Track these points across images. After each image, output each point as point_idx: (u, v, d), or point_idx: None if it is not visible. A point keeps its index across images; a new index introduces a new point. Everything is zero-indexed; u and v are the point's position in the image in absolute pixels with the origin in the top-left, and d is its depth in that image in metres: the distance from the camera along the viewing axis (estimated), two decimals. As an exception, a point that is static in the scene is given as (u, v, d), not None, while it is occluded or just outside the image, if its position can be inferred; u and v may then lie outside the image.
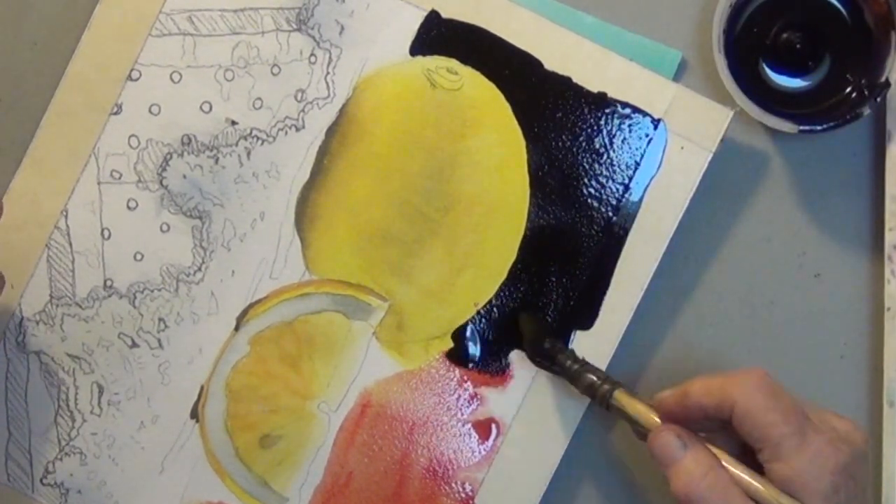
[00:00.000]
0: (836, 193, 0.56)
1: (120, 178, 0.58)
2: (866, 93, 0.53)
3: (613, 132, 0.56)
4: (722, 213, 0.56)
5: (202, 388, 0.58)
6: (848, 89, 0.54)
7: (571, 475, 0.56)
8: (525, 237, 0.56)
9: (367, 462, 0.57)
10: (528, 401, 0.56)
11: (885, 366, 0.55)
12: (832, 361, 0.56)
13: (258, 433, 0.57)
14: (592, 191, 0.56)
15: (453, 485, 0.56)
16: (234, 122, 0.57)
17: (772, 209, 0.56)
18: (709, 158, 0.55)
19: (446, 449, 0.56)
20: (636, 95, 0.55)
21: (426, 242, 0.57)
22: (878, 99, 0.52)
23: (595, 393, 0.51)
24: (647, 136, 0.55)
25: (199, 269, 0.58)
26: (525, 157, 0.56)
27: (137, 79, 0.58)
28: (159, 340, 0.58)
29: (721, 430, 0.48)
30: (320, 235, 0.57)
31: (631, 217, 0.55)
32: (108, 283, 0.58)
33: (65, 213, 0.58)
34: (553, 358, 0.53)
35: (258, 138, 0.57)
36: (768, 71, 0.55)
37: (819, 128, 0.53)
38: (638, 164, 0.55)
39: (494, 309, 0.56)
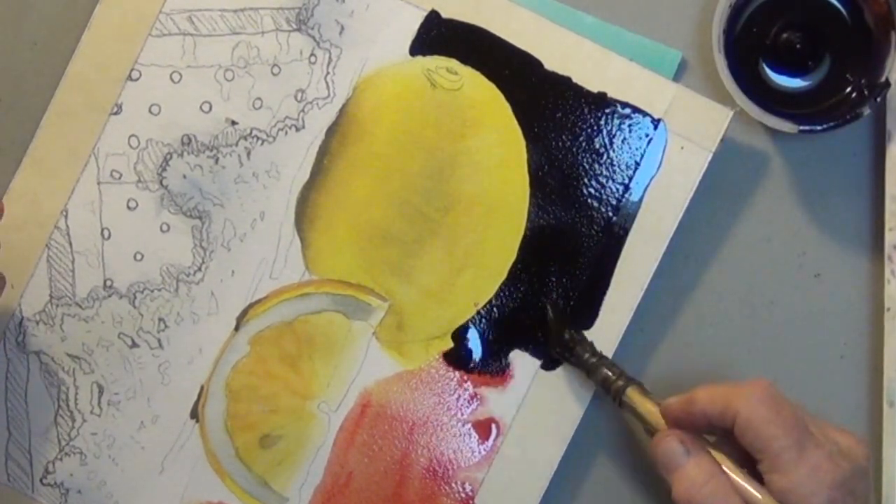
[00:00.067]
0: (836, 193, 0.56)
1: (120, 178, 0.58)
2: (866, 93, 0.53)
3: (613, 132, 0.56)
4: (722, 213, 0.56)
5: (202, 388, 0.58)
6: (848, 89, 0.54)
7: (571, 475, 0.56)
8: (525, 237, 0.56)
9: (367, 462, 0.57)
10: (528, 401, 0.56)
11: (885, 366, 0.55)
12: (832, 361, 0.56)
13: (258, 433, 0.57)
14: (592, 191, 0.56)
15: (453, 485, 0.56)
16: (234, 122, 0.57)
17: (772, 209, 0.56)
18: (709, 158, 0.55)
19: (446, 449, 0.56)
20: (636, 95, 0.55)
21: (426, 242, 0.57)
22: (878, 99, 0.52)
23: (609, 387, 0.52)
24: (647, 136, 0.55)
25: (199, 269, 0.58)
26: (525, 157, 0.56)
27: (137, 79, 0.58)
28: (159, 340, 0.58)
29: (726, 437, 0.48)
30: (320, 235, 0.57)
31: (631, 217, 0.55)
32: (108, 283, 0.58)
33: (65, 213, 0.58)
34: (572, 349, 0.54)
35: (258, 138, 0.57)
36: (768, 71, 0.55)
37: (819, 128, 0.53)
38: (638, 164, 0.55)
39: (494, 309, 0.56)
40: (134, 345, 0.58)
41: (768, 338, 0.56)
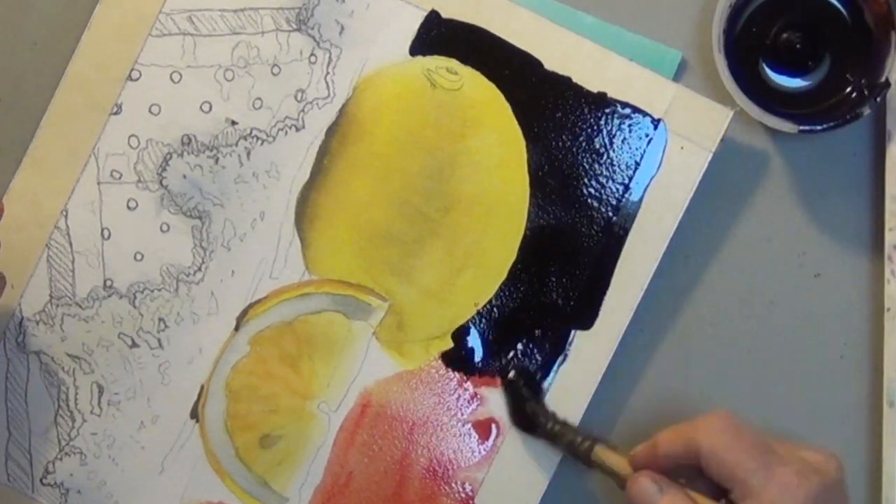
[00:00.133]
0: (836, 193, 0.56)
1: (120, 178, 0.58)
2: (866, 93, 0.53)
3: (613, 132, 0.56)
4: (722, 213, 0.56)
5: (202, 388, 0.58)
6: (848, 89, 0.54)
7: (571, 475, 0.56)
8: (525, 237, 0.56)
9: (367, 462, 0.57)
10: (528, 401, 0.56)
11: (885, 366, 0.55)
12: (832, 361, 0.56)
13: (258, 433, 0.57)
14: (592, 191, 0.56)
15: (453, 485, 0.56)
16: (234, 122, 0.58)
17: (772, 209, 0.56)
18: (709, 158, 0.55)
19: (446, 449, 0.56)
20: (636, 95, 0.55)
21: (426, 242, 0.57)
22: (878, 99, 0.52)
23: (576, 451, 0.52)
24: (647, 136, 0.55)
25: (199, 269, 0.58)
26: (525, 157, 0.56)
27: (137, 79, 0.58)
28: (159, 340, 0.58)
29: (699, 476, 0.48)
30: (320, 235, 0.57)
31: (631, 217, 0.55)
32: (108, 283, 0.58)
33: (65, 213, 0.58)
34: (534, 421, 0.55)
35: (258, 138, 0.57)
36: (768, 71, 0.55)
37: (819, 128, 0.53)
38: (638, 164, 0.55)
39: (494, 309, 0.56)
40: (134, 345, 0.58)
41: (768, 338, 0.56)
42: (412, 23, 0.56)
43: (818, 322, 0.56)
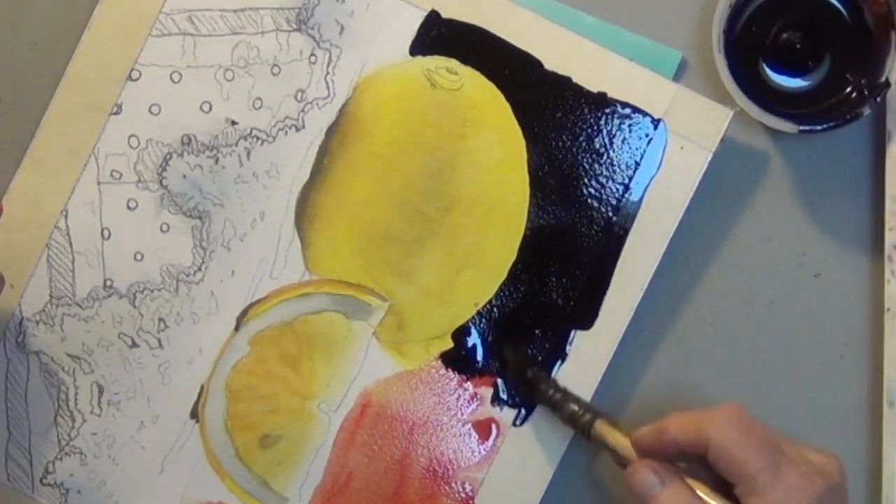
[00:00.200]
0: (836, 193, 0.56)
1: (120, 178, 0.58)
2: (866, 93, 0.53)
3: (613, 132, 0.56)
4: (722, 213, 0.56)
5: (202, 388, 0.58)
6: (848, 89, 0.54)
7: (571, 475, 0.56)
8: (525, 237, 0.56)
9: (367, 462, 0.57)
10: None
11: (885, 366, 0.55)
12: (832, 361, 0.56)
13: (258, 433, 0.57)
14: (592, 191, 0.56)
15: (453, 485, 0.56)
16: (234, 122, 0.58)
17: (772, 209, 0.56)
18: (709, 158, 0.55)
19: (446, 449, 0.56)
20: (636, 95, 0.55)
21: (426, 242, 0.57)
22: (878, 99, 0.52)
23: (576, 422, 0.52)
24: (647, 136, 0.55)
25: (199, 269, 0.58)
26: (525, 157, 0.56)
27: (137, 79, 0.58)
28: (159, 340, 0.58)
29: (700, 462, 0.48)
30: (320, 235, 0.57)
31: (631, 217, 0.55)
32: (108, 283, 0.58)
33: (65, 213, 0.58)
34: (535, 387, 0.54)
35: (258, 138, 0.57)
36: (768, 71, 0.55)
37: (819, 128, 0.53)
38: (638, 164, 0.55)
39: (494, 309, 0.56)
40: (134, 345, 0.58)
41: (768, 338, 0.56)
42: (412, 23, 0.56)
43: (818, 322, 0.56)
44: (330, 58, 0.57)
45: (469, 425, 0.56)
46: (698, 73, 0.56)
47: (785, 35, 0.55)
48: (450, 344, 0.56)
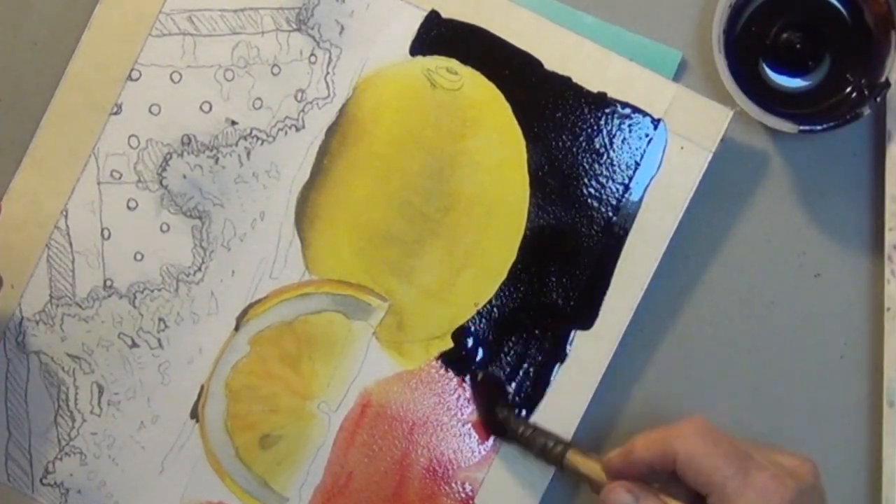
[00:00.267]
0: (836, 193, 0.56)
1: (120, 178, 0.58)
2: (866, 93, 0.53)
3: (613, 132, 0.56)
4: (722, 213, 0.56)
5: (202, 388, 0.58)
6: (848, 89, 0.54)
7: (571, 475, 0.56)
8: (525, 237, 0.56)
9: (367, 462, 0.57)
10: (528, 401, 0.56)
11: (885, 366, 0.55)
12: (832, 361, 0.56)
13: (258, 433, 0.57)
14: (592, 191, 0.56)
15: (453, 485, 0.56)
16: (234, 122, 0.58)
17: (772, 209, 0.56)
18: (709, 158, 0.55)
19: (446, 449, 0.56)
20: (636, 95, 0.55)
21: (426, 242, 0.57)
22: (878, 99, 0.52)
23: (548, 455, 0.53)
24: (647, 136, 0.55)
25: (199, 269, 0.58)
26: (525, 157, 0.56)
27: (137, 79, 0.58)
28: (159, 340, 0.58)
29: (674, 480, 0.48)
30: (320, 235, 0.57)
31: (631, 217, 0.55)
32: (108, 283, 0.58)
33: (65, 213, 0.58)
34: (506, 426, 0.55)
35: (258, 138, 0.57)
36: (768, 71, 0.55)
37: (819, 128, 0.53)
38: (638, 164, 0.55)
39: (494, 309, 0.56)
40: (134, 345, 0.58)
41: (768, 338, 0.56)
42: (412, 23, 0.56)
43: (818, 322, 0.56)
44: (330, 58, 0.57)
45: (469, 425, 0.56)
46: (698, 73, 0.56)
47: (785, 35, 0.55)
48: (450, 344, 0.56)
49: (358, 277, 0.57)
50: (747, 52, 0.55)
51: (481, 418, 0.56)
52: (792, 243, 0.56)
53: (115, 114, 0.58)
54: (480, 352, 0.56)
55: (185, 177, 0.58)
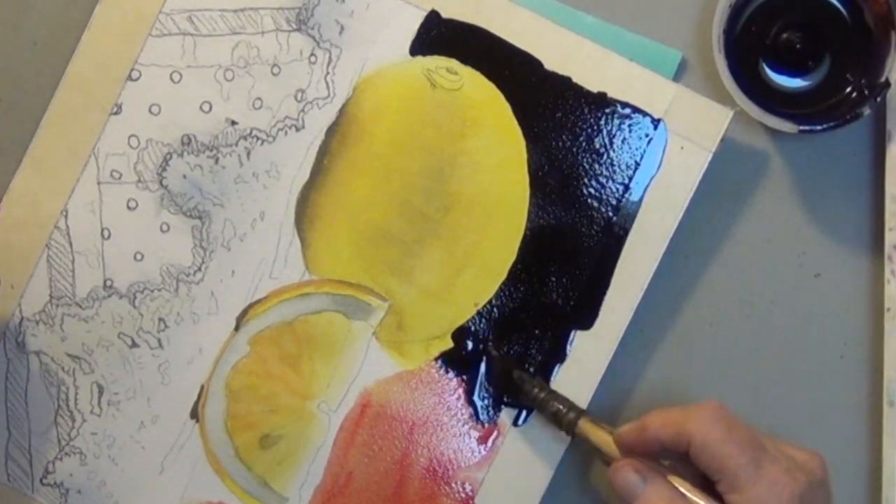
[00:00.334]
0: (836, 193, 0.56)
1: (120, 178, 0.58)
2: (866, 93, 0.53)
3: (613, 132, 0.56)
4: (722, 213, 0.56)
5: (202, 388, 0.58)
6: (848, 89, 0.54)
7: (571, 476, 0.56)
8: (525, 237, 0.56)
9: (367, 462, 0.57)
10: (528, 401, 0.56)
11: (885, 366, 0.55)
12: (832, 361, 0.56)
13: (258, 433, 0.57)
14: (592, 191, 0.56)
15: (453, 485, 0.56)
16: (234, 122, 0.58)
17: (772, 209, 0.56)
18: (709, 158, 0.55)
19: (446, 449, 0.56)
20: (636, 95, 0.55)
21: (426, 242, 0.57)
22: (878, 99, 0.52)
23: (560, 421, 0.53)
24: (647, 136, 0.55)
25: (199, 269, 0.58)
26: (525, 157, 0.56)
27: (137, 79, 0.58)
28: (159, 340, 0.58)
29: (681, 458, 0.49)
30: (320, 235, 0.57)
31: (631, 217, 0.55)
32: (108, 283, 0.58)
33: (65, 213, 0.58)
34: (520, 387, 0.55)
35: (258, 138, 0.57)
36: (768, 71, 0.55)
37: (819, 128, 0.53)
38: (638, 164, 0.55)
39: (494, 309, 0.56)
40: (134, 345, 0.58)
41: (768, 338, 0.56)
42: (412, 23, 0.56)
43: (818, 322, 0.56)
44: (330, 58, 0.57)
45: (469, 425, 0.56)
46: (698, 73, 0.56)
47: (785, 35, 0.55)
48: (450, 344, 0.56)
49: (358, 277, 0.57)
50: (747, 52, 0.55)
51: (495, 378, 0.56)
52: (792, 243, 0.56)
53: (115, 114, 0.58)
54: (481, 352, 0.56)
55: (185, 177, 0.58)
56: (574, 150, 0.56)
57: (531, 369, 0.56)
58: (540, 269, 0.56)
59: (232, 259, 0.57)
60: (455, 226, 0.56)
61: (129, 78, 0.58)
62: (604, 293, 0.55)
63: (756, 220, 0.56)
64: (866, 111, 0.52)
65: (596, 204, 0.56)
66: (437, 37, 0.56)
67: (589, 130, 0.56)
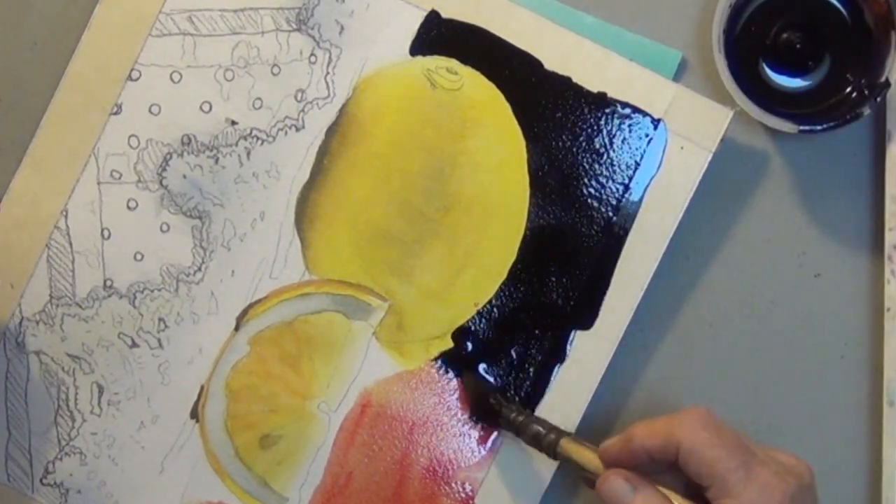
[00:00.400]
0: (836, 193, 0.56)
1: (120, 178, 0.58)
2: (866, 93, 0.53)
3: (613, 132, 0.56)
4: (722, 213, 0.56)
5: (202, 388, 0.58)
6: (848, 89, 0.54)
7: (571, 475, 0.56)
8: (525, 237, 0.56)
9: (367, 462, 0.57)
10: (528, 401, 0.56)
11: (885, 366, 0.55)
12: (832, 361, 0.56)
13: (258, 433, 0.57)
14: (592, 191, 0.56)
15: (453, 485, 0.56)
16: (234, 122, 0.58)
17: (772, 209, 0.56)
18: (709, 158, 0.55)
19: (446, 449, 0.56)
20: (636, 95, 0.55)
21: (426, 242, 0.57)
22: (878, 99, 0.52)
23: (541, 443, 0.52)
24: (647, 136, 0.55)
25: (199, 269, 0.58)
26: (525, 157, 0.56)
27: (137, 79, 0.58)
28: (159, 340, 0.58)
29: (668, 470, 0.48)
30: (320, 235, 0.57)
31: (631, 217, 0.55)
32: (108, 283, 0.58)
33: (65, 213, 0.58)
34: (498, 412, 0.54)
35: (258, 138, 0.57)
36: (768, 71, 0.55)
37: (819, 128, 0.53)
38: (638, 164, 0.55)
39: (494, 309, 0.56)
40: (134, 345, 0.58)
41: (768, 338, 0.56)
42: (412, 23, 0.56)
43: (818, 322, 0.56)
44: (330, 58, 0.57)
45: (469, 425, 0.56)
46: (698, 73, 0.56)
47: (785, 35, 0.55)
48: (450, 344, 0.56)
49: (358, 277, 0.57)
50: (747, 52, 0.55)
51: (471, 404, 0.56)
52: (792, 243, 0.56)
53: (115, 114, 0.58)
54: (480, 352, 0.56)
55: (185, 177, 0.58)
56: (574, 150, 0.56)
57: (508, 393, 0.55)
58: (540, 269, 0.56)
59: (232, 259, 0.57)
60: (455, 226, 0.56)
61: (129, 78, 0.58)
62: (604, 293, 0.55)
63: (756, 220, 0.56)
64: (866, 111, 0.52)
65: (596, 204, 0.56)
66: (437, 37, 0.56)
67: (589, 130, 0.56)
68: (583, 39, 0.56)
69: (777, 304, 0.56)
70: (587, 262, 0.56)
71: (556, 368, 0.56)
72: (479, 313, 0.56)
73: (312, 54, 0.57)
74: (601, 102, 0.56)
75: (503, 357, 0.56)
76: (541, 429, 0.52)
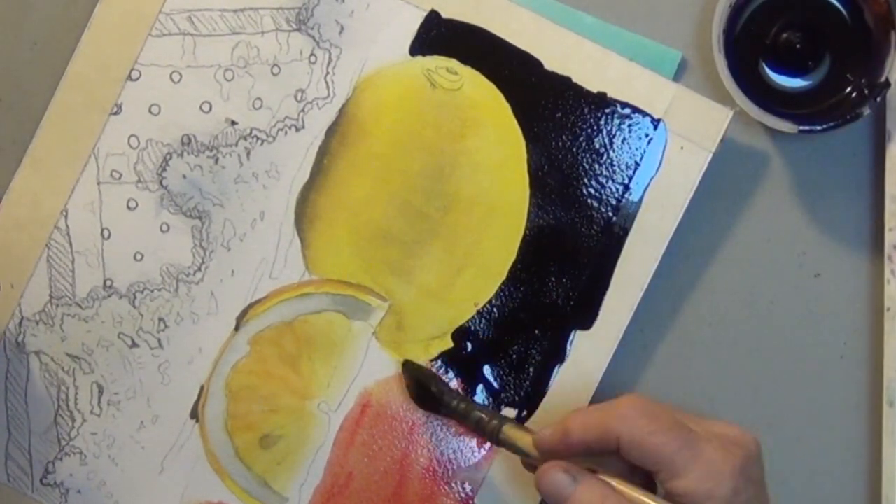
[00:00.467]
0: (836, 193, 0.56)
1: (120, 178, 0.58)
2: (866, 93, 0.53)
3: (613, 132, 0.56)
4: (722, 213, 0.56)
5: (202, 388, 0.58)
6: (848, 89, 0.54)
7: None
8: (525, 237, 0.56)
9: (367, 462, 0.57)
10: (528, 401, 0.56)
11: (885, 366, 0.55)
12: (832, 361, 0.56)
13: (258, 433, 0.57)
14: (592, 191, 0.56)
15: (453, 485, 0.56)
16: (234, 122, 0.58)
17: (772, 209, 0.56)
18: (709, 158, 0.55)
19: (446, 449, 0.56)
20: (636, 95, 0.55)
21: (426, 242, 0.57)
22: (878, 99, 0.52)
23: (484, 429, 0.52)
24: (646, 136, 0.55)
25: (199, 269, 0.58)
26: (525, 157, 0.56)
27: (137, 79, 0.58)
28: (159, 340, 0.58)
29: (608, 456, 0.48)
30: (320, 235, 0.57)
31: (631, 217, 0.55)
32: (108, 283, 0.58)
33: (65, 213, 0.58)
34: (440, 400, 0.54)
35: (258, 138, 0.57)
36: (768, 71, 0.55)
37: (819, 128, 0.53)
38: (638, 164, 0.55)
39: (494, 309, 0.56)
40: (134, 345, 0.58)
41: (768, 338, 0.56)
42: (412, 23, 0.56)
43: (818, 322, 0.56)
44: (330, 58, 0.57)
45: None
46: (698, 73, 0.56)
47: (785, 35, 0.55)
48: (450, 344, 0.56)
49: (358, 277, 0.57)
50: (747, 52, 0.55)
51: (413, 393, 0.56)
52: (792, 243, 0.56)
53: (115, 114, 0.58)
54: (480, 352, 0.56)
55: (185, 177, 0.58)
56: (574, 150, 0.56)
57: (448, 381, 0.56)
58: (540, 269, 0.56)
59: (232, 259, 0.57)
60: (455, 226, 0.56)
61: (129, 78, 0.58)
62: (604, 293, 0.55)
63: (756, 220, 0.56)
64: (866, 111, 0.52)
65: (596, 204, 0.56)
66: (437, 37, 0.56)
67: (589, 130, 0.56)
68: (583, 39, 0.56)
69: (777, 304, 0.56)
70: (587, 262, 0.56)
71: (556, 368, 0.56)
72: (479, 313, 0.56)
73: (312, 54, 0.57)
74: (601, 102, 0.56)
75: (503, 357, 0.56)
76: (483, 415, 0.52)
